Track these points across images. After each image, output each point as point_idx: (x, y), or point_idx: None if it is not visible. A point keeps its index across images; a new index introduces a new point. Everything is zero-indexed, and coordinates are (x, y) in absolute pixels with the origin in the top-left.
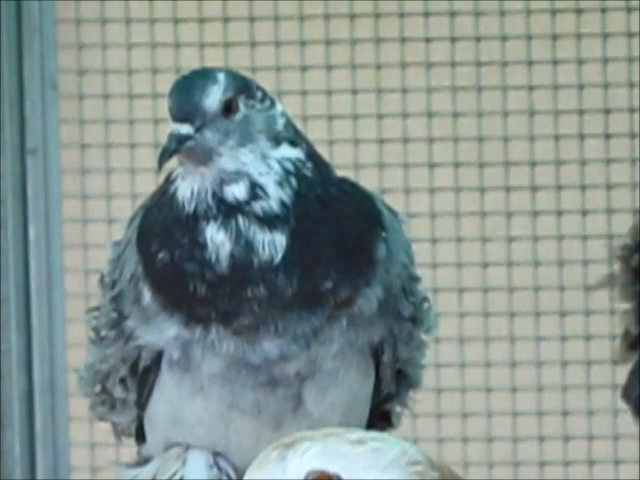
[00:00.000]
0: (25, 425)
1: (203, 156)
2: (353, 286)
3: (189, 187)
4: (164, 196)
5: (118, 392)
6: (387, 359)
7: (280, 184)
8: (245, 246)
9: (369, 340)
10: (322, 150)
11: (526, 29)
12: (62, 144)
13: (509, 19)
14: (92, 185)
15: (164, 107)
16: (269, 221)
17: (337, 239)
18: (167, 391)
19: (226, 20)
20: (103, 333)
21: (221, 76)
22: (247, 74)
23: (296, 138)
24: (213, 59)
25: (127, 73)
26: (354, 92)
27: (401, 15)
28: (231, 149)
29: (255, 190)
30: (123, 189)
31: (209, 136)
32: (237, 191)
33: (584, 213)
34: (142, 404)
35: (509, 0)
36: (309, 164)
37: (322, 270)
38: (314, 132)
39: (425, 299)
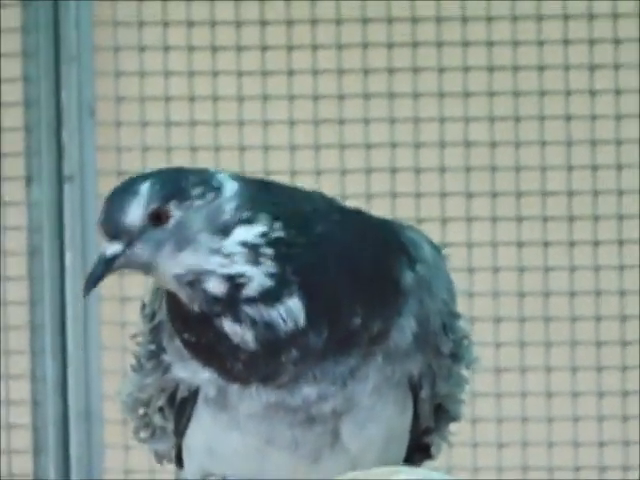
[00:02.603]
0: (60, 451)
1: (140, 269)
2: (384, 317)
3: (175, 291)
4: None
5: (157, 420)
6: (425, 395)
7: (254, 262)
8: (266, 327)
9: (406, 374)
10: (362, 180)
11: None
12: (99, 171)
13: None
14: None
15: (202, 135)
16: (272, 296)
17: (351, 273)
18: (204, 423)
19: (264, 49)
20: (142, 362)
21: (144, 187)
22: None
23: (254, 212)
24: (250, 87)
25: (164, 100)
26: (391, 120)
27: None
28: (168, 257)
29: (232, 281)
30: None
31: (139, 249)
32: (215, 287)
33: (620, 243)
34: (180, 433)
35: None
36: (277, 225)
37: (346, 309)
38: (351, 162)
39: (466, 335)
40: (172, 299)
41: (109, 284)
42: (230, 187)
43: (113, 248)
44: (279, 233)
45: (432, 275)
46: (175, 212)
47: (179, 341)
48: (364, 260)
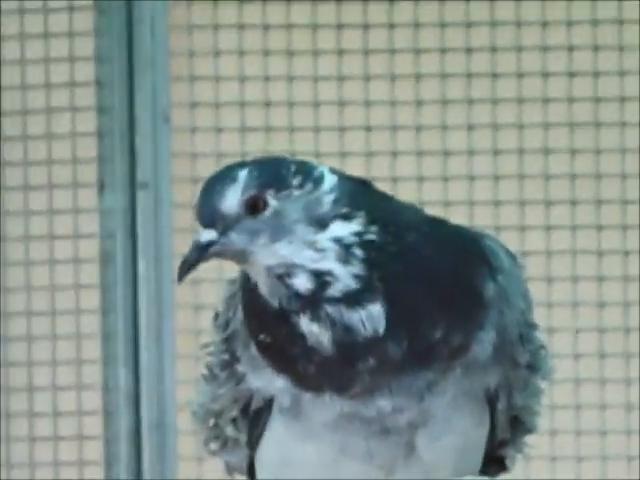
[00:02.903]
0: (132, 463)
1: (235, 258)
2: (466, 331)
3: (262, 286)
4: (248, 288)
5: (230, 431)
6: (502, 406)
7: (344, 261)
8: (345, 330)
9: (484, 386)
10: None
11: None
12: (173, 178)
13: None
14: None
15: (277, 140)
16: (355, 299)
17: (435, 286)
18: (277, 434)
19: (340, 53)
20: (215, 372)
21: (242, 174)
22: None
23: (351, 209)
24: (326, 92)
25: (239, 105)
26: (470, 128)
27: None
28: (263, 247)
29: (320, 278)
30: None
31: (235, 238)
32: (301, 283)
33: None
34: (253, 444)
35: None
36: (373, 228)
37: (428, 322)
38: (429, 169)
39: (542, 346)
40: (251, 295)
41: (183, 291)
42: (329, 180)
43: (208, 235)
44: (373, 236)
45: (509, 284)
46: (272, 201)
47: (254, 348)
48: (448, 273)
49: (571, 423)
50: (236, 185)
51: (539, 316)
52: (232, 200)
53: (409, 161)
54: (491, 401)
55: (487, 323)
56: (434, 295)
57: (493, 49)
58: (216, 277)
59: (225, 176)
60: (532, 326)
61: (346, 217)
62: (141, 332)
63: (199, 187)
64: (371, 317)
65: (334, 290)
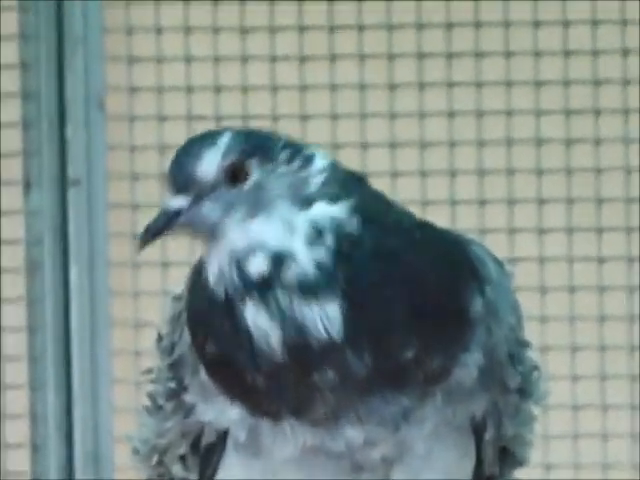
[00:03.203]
0: None
1: (204, 232)
2: (447, 354)
3: (212, 265)
4: (199, 275)
5: (177, 470)
6: (490, 437)
7: (310, 244)
8: (295, 328)
9: (469, 414)
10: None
11: None
12: (110, 174)
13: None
14: (145, 221)
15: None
16: (311, 290)
17: (411, 297)
18: (233, 473)
19: (302, 29)
20: (160, 402)
21: (224, 138)
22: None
23: (340, 193)
24: (286, 74)
25: (186, 90)
26: (451, 114)
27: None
28: (238, 222)
29: (278, 259)
30: None
31: (207, 208)
32: (256, 265)
33: None
34: None
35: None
36: (354, 220)
37: (397, 338)
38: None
39: (535, 367)
40: (197, 293)
41: (121, 306)
42: (321, 162)
43: (178, 202)
44: (352, 229)
45: (498, 297)
46: (255, 172)
47: (203, 373)
48: (431, 285)
49: (569, 455)
50: (216, 149)
51: (531, 332)
52: (210, 164)
53: (381, 153)
54: (477, 431)
55: (473, 344)
56: (409, 309)
57: (477, 24)
58: (159, 289)
59: (205, 138)
60: (523, 344)
61: (331, 199)
62: (73, 352)
63: (138, 185)
64: (326, 317)
65: (289, 275)
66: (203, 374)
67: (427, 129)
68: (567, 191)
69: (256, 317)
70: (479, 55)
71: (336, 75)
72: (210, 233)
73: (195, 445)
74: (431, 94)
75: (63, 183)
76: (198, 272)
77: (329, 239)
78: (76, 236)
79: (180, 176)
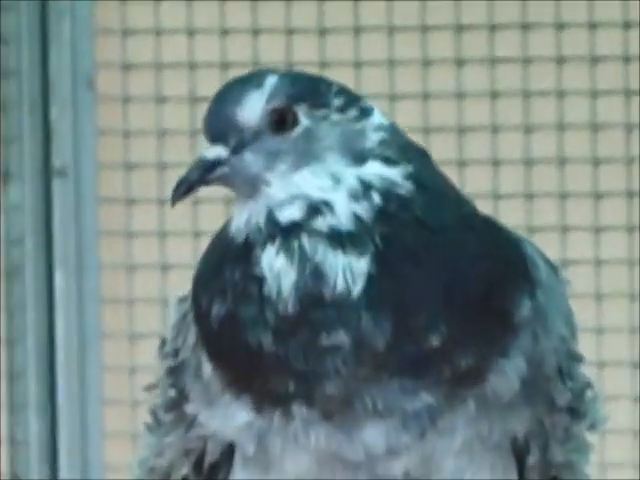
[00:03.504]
0: None
1: (245, 185)
2: (480, 354)
3: (240, 217)
4: (221, 234)
5: None
6: (534, 462)
7: (354, 197)
8: (313, 274)
9: (509, 433)
10: None
11: None
12: (100, 164)
13: None
14: (141, 218)
15: None
16: (341, 241)
17: (450, 280)
18: None
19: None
20: (159, 416)
21: (270, 80)
22: None
23: (398, 157)
24: (304, 48)
25: (189, 67)
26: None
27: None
28: (283, 175)
29: (314, 208)
30: (180, 224)
31: (250, 159)
32: (289, 213)
33: None
34: None
35: None
36: (409, 185)
37: (423, 317)
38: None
39: (589, 384)
40: (210, 251)
41: (113, 315)
42: (380, 119)
43: (216, 152)
44: (403, 192)
45: (549, 302)
46: (304, 118)
47: (207, 368)
48: (476, 277)
49: None
50: (261, 91)
51: (586, 345)
52: (253, 109)
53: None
54: (520, 454)
55: (514, 349)
56: (444, 291)
57: None
58: (158, 296)
59: (248, 80)
60: (575, 358)
61: (388, 161)
62: (58, 369)
63: (133, 176)
64: (350, 270)
65: (322, 223)
66: (206, 368)
67: (466, 111)
68: (627, 183)
69: (273, 260)
70: (525, 27)
71: (361, 50)
72: (251, 186)
73: (198, 464)
74: (471, 71)
75: (47, 174)
76: (216, 236)
77: (376, 197)
78: (62, 235)
79: (218, 122)
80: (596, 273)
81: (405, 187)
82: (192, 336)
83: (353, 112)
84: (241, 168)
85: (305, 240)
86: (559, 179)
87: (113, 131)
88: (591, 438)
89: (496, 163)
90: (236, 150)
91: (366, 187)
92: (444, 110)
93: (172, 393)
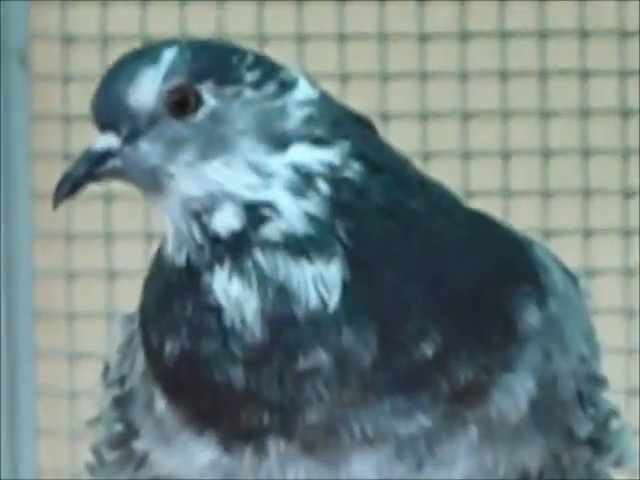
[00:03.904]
0: None
1: (143, 180)
2: (481, 365)
3: (169, 229)
4: (161, 252)
5: None
6: None
7: (296, 192)
8: (278, 294)
9: (518, 467)
10: None
11: None
12: (34, 153)
13: None
14: (83, 217)
15: None
16: (301, 248)
17: (436, 278)
18: None
19: None
20: (104, 455)
21: (168, 54)
22: None
23: (330, 135)
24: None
25: (140, 40)
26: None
27: None
28: (186, 167)
29: (254, 213)
30: (130, 224)
31: (145, 149)
32: (224, 220)
33: None
34: None
35: None
36: (355, 165)
37: (413, 323)
38: None
39: (614, 413)
40: (152, 273)
41: (50, 332)
42: (305, 91)
43: (106, 141)
44: (352, 174)
45: (565, 315)
46: (209, 98)
47: (160, 401)
48: (466, 275)
49: None
50: (157, 68)
51: (613, 368)
52: (148, 89)
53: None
54: None
55: (519, 363)
56: (432, 291)
57: None
58: (103, 309)
59: (142, 55)
60: (598, 382)
61: (318, 142)
62: None
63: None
64: (321, 280)
65: (271, 230)
66: (160, 403)
67: (471, 94)
68: None
69: (227, 285)
70: None
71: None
72: (152, 181)
73: None
74: (477, 47)
75: None
76: (157, 253)
77: (322, 186)
78: None
79: (107, 107)
80: (625, 284)
81: (352, 169)
82: (141, 362)
83: (271, 87)
84: (136, 159)
85: (259, 256)
86: (582, 173)
87: (51, 116)
88: (617, 476)
89: (506, 155)
90: (129, 139)
91: (305, 176)
92: (444, 91)
93: (118, 427)
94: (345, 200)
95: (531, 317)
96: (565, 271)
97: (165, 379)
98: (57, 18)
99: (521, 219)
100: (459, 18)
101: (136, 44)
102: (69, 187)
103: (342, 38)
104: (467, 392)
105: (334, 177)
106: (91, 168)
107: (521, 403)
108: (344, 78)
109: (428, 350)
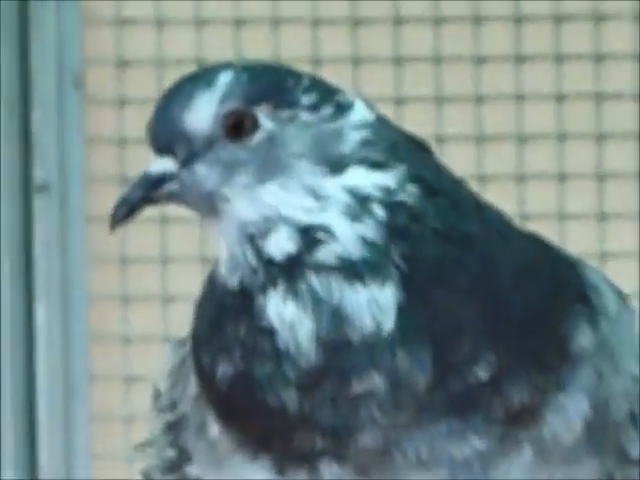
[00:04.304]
0: None
1: (200, 203)
2: (535, 386)
3: (224, 252)
4: (214, 275)
5: None
6: None
7: (352, 216)
8: (333, 317)
9: None
10: None
11: None
12: (90, 177)
13: None
14: (138, 241)
15: None
16: (356, 272)
17: (491, 301)
18: None
19: None
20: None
21: (224, 77)
22: None
23: (387, 158)
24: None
25: (195, 64)
26: None
27: None
28: (243, 190)
29: (309, 235)
30: (185, 248)
31: (202, 172)
32: (279, 243)
33: None
34: None
35: None
36: (411, 188)
37: (468, 346)
38: None
39: None
40: (205, 296)
41: (104, 354)
42: (362, 113)
43: (163, 164)
44: (407, 198)
45: (616, 336)
46: (266, 121)
47: (214, 427)
48: (520, 297)
49: None
50: (212, 92)
51: None
52: (204, 113)
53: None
54: None
55: (573, 384)
56: (487, 314)
57: None
58: (159, 333)
59: (198, 78)
60: None
61: (375, 165)
62: (39, 419)
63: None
64: (376, 303)
65: (326, 254)
66: (213, 427)
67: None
68: None
69: (281, 308)
70: None
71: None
72: (208, 205)
73: None
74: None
75: (26, 189)
76: (210, 276)
77: (377, 210)
78: (44, 260)
79: (164, 131)
80: None
81: (408, 192)
82: (193, 387)
83: (327, 110)
84: (193, 183)
85: (313, 279)
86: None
87: (105, 139)
88: None
89: (562, 178)
90: (186, 162)
91: (361, 200)
92: (500, 114)
93: (171, 452)
94: (400, 224)
95: (584, 338)
96: (616, 292)
97: (218, 402)
98: (112, 41)
99: (576, 242)
100: (515, 40)
101: (191, 67)
102: (126, 210)
103: (397, 61)
104: (521, 413)
105: (390, 201)
106: (148, 192)
107: (575, 424)
108: (399, 101)
109: (483, 372)
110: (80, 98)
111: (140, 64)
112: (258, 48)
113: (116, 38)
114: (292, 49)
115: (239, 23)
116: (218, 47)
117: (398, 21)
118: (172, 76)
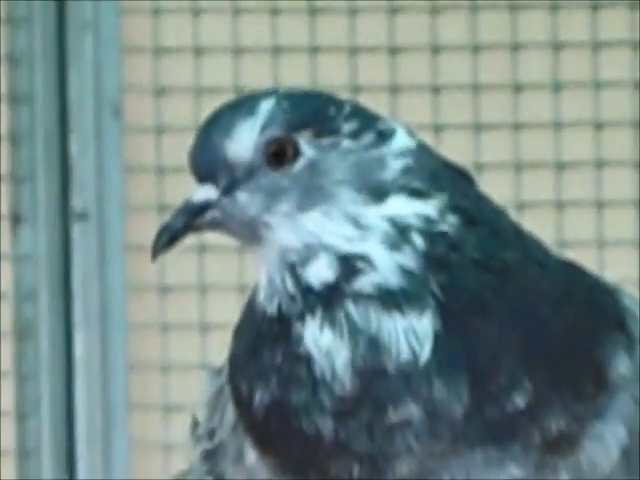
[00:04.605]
0: None
1: (242, 231)
2: (573, 414)
3: (261, 275)
4: (251, 302)
5: None
6: None
7: (391, 245)
8: (370, 346)
9: None
10: None
11: None
12: (129, 206)
13: None
14: (176, 269)
15: None
16: (394, 301)
17: (528, 330)
18: None
19: None
20: None
21: (265, 105)
22: None
23: (428, 186)
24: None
25: (235, 91)
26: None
27: None
28: (286, 216)
29: (348, 264)
30: (224, 276)
31: (244, 200)
32: (318, 271)
33: None
34: None
35: None
36: (451, 218)
37: (505, 374)
38: None
39: None
40: (243, 322)
41: (144, 385)
42: (403, 141)
43: (205, 193)
44: (447, 228)
45: None
46: (307, 149)
47: (251, 452)
48: (558, 325)
49: None
50: (254, 119)
51: None
52: (245, 141)
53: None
54: None
55: (610, 412)
56: (524, 343)
57: None
58: (197, 361)
59: (240, 106)
60: None
61: (416, 194)
62: (78, 446)
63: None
64: (413, 333)
65: (364, 283)
66: (250, 454)
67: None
68: None
69: (318, 336)
70: None
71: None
72: (250, 232)
73: None
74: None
75: (65, 217)
76: (248, 303)
77: (417, 240)
78: (82, 289)
79: (205, 158)
80: None
81: (448, 222)
82: (230, 415)
83: (369, 137)
84: (234, 210)
85: (351, 307)
86: None
87: (143, 167)
88: None
89: (600, 205)
90: (227, 190)
91: (401, 229)
92: (539, 142)
93: None
94: (439, 254)
95: (621, 365)
96: None
97: (254, 429)
98: (150, 69)
99: (615, 268)
100: (552, 67)
101: (228, 95)
102: (168, 238)
103: (435, 89)
104: (559, 441)
105: (430, 230)
106: (190, 220)
107: (613, 451)
108: (437, 129)
109: (520, 400)
110: (118, 126)
111: (178, 92)
112: (296, 76)
113: (154, 66)
114: (330, 77)
115: (277, 51)
116: (256, 75)
117: (436, 49)
118: (210, 104)
